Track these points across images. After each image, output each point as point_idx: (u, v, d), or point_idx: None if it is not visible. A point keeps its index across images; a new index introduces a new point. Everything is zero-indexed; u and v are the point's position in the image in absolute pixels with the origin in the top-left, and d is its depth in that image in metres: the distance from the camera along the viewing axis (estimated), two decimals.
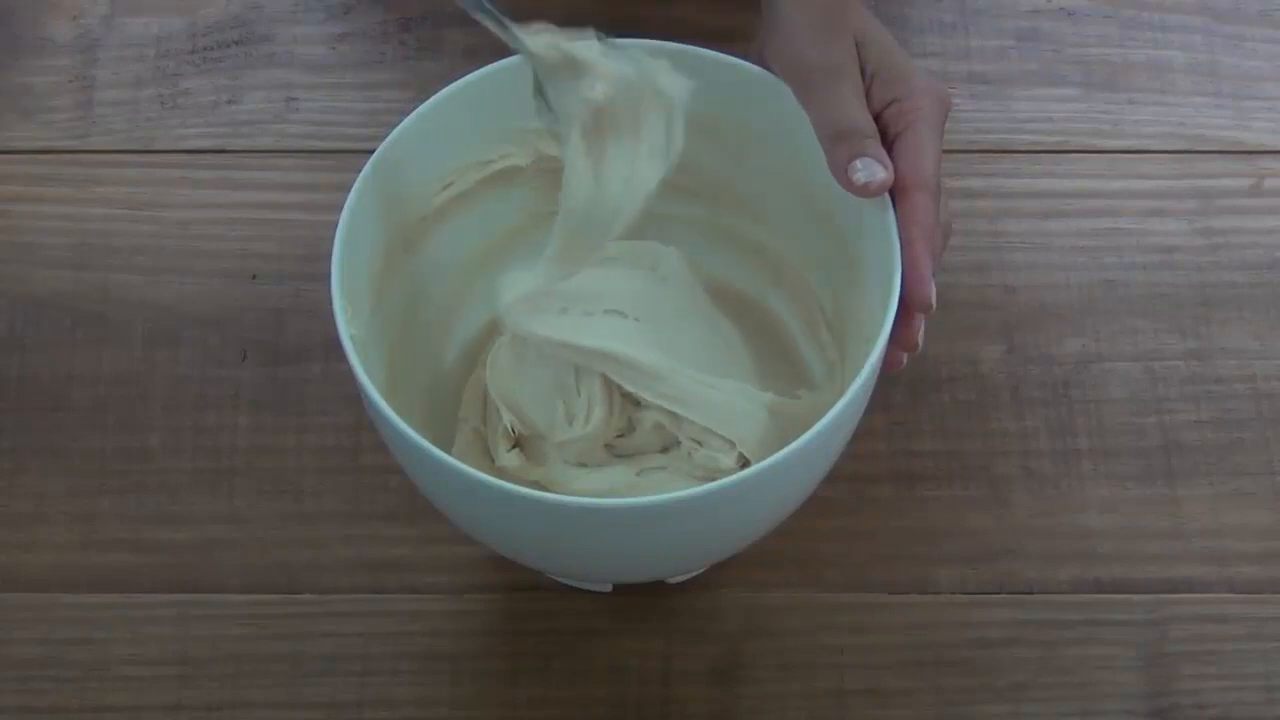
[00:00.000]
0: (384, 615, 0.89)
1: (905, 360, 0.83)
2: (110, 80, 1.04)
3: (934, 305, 0.81)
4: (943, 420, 0.94)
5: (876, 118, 0.83)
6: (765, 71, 0.86)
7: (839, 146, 0.83)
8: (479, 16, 0.81)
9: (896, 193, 0.82)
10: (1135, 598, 0.89)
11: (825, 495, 0.84)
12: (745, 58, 0.87)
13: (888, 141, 0.83)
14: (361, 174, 0.83)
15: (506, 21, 0.81)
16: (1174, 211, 1.00)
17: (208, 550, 0.90)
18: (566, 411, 0.84)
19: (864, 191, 0.82)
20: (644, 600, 0.89)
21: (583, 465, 0.85)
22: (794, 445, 0.77)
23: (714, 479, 0.77)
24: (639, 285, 0.87)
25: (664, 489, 0.83)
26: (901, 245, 0.81)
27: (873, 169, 0.82)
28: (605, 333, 0.84)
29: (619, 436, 0.85)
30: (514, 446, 0.86)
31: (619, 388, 0.84)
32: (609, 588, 0.88)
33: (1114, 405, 0.94)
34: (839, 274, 0.88)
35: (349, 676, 0.87)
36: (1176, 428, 0.93)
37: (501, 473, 0.84)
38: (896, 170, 0.82)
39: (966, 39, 1.05)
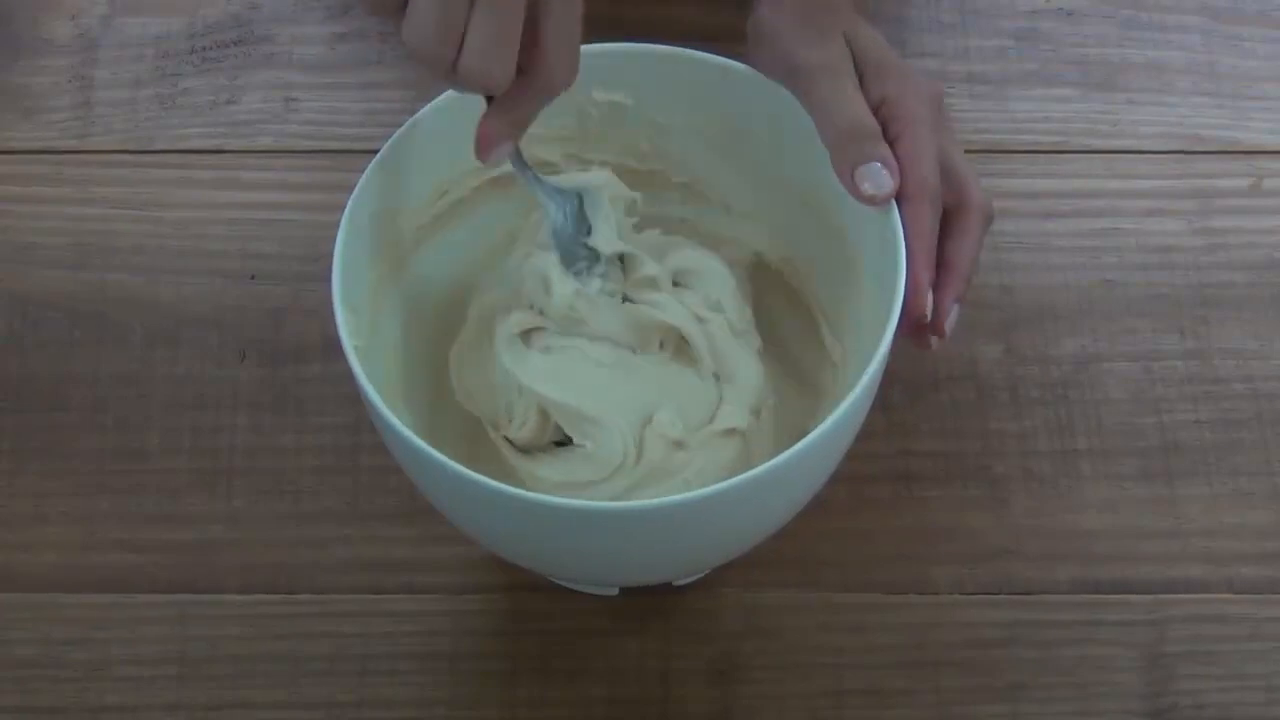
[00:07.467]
0: (383, 615, 0.89)
1: (934, 344, 0.83)
2: (109, 80, 1.04)
3: (929, 317, 0.82)
4: (942, 420, 0.93)
5: (873, 113, 0.83)
6: (760, 73, 0.86)
7: (844, 149, 0.83)
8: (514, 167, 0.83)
9: (898, 201, 0.82)
10: (1134, 598, 0.89)
11: (825, 495, 0.83)
12: (741, 59, 0.87)
13: (885, 141, 0.83)
14: (358, 185, 0.83)
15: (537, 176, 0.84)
16: (1172, 211, 1.00)
17: (206, 550, 0.90)
18: (508, 411, 0.84)
19: (870, 203, 0.82)
20: (644, 601, 0.89)
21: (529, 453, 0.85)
22: (797, 447, 0.77)
23: None
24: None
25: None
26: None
27: (879, 179, 0.82)
28: (555, 371, 0.83)
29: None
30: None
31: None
32: (615, 591, 0.88)
33: (1112, 405, 0.94)
34: (839, 274, 0.88)
35: (347, 677, 0.87)
36: (1175, 428, 0.93)
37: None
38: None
39: (965, 39, 1.05)
